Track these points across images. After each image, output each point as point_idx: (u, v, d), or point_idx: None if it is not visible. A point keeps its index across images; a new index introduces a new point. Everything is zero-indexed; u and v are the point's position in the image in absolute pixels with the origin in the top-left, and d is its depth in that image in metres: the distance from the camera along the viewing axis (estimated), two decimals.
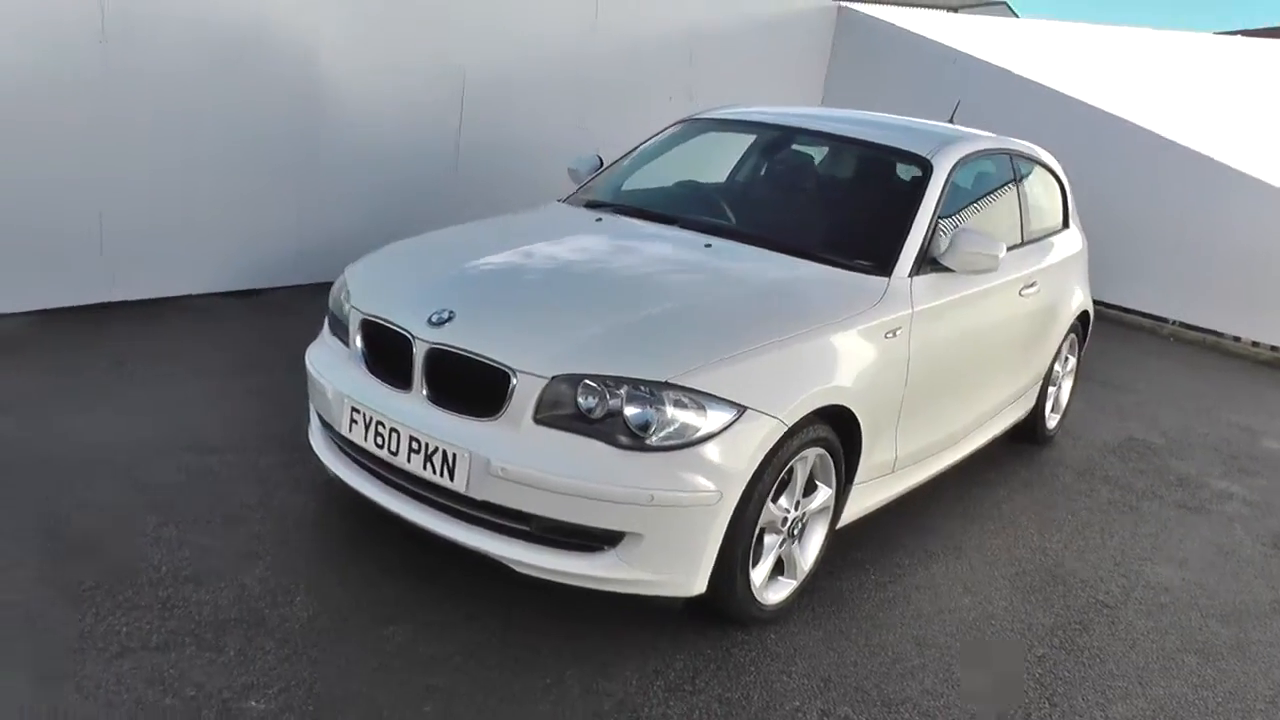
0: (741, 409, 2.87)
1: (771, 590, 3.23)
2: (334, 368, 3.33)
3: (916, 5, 11.92)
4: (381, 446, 3.06)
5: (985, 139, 4.47)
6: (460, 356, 2.97)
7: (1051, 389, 5.19)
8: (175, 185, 5.52)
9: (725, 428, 2.85)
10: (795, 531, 3.27)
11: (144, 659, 2.70)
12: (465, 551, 2.99)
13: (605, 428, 2.84)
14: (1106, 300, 8.33)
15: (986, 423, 4.45)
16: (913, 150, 4.10)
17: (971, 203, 4.25)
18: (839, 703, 2.94)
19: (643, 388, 2.84)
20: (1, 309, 5.05)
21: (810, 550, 3.37)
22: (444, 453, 2.91)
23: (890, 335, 3.47)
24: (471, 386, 2.96)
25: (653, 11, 8.10)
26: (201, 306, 5.71)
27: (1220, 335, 8.31)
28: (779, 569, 3.28)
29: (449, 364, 3.00)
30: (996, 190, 4.50)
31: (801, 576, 3.35)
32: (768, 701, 2.89)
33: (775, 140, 4.57)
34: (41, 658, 2.67)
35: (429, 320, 3.05)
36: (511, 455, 2.83)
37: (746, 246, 3.72)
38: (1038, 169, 4.92)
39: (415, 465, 2.98)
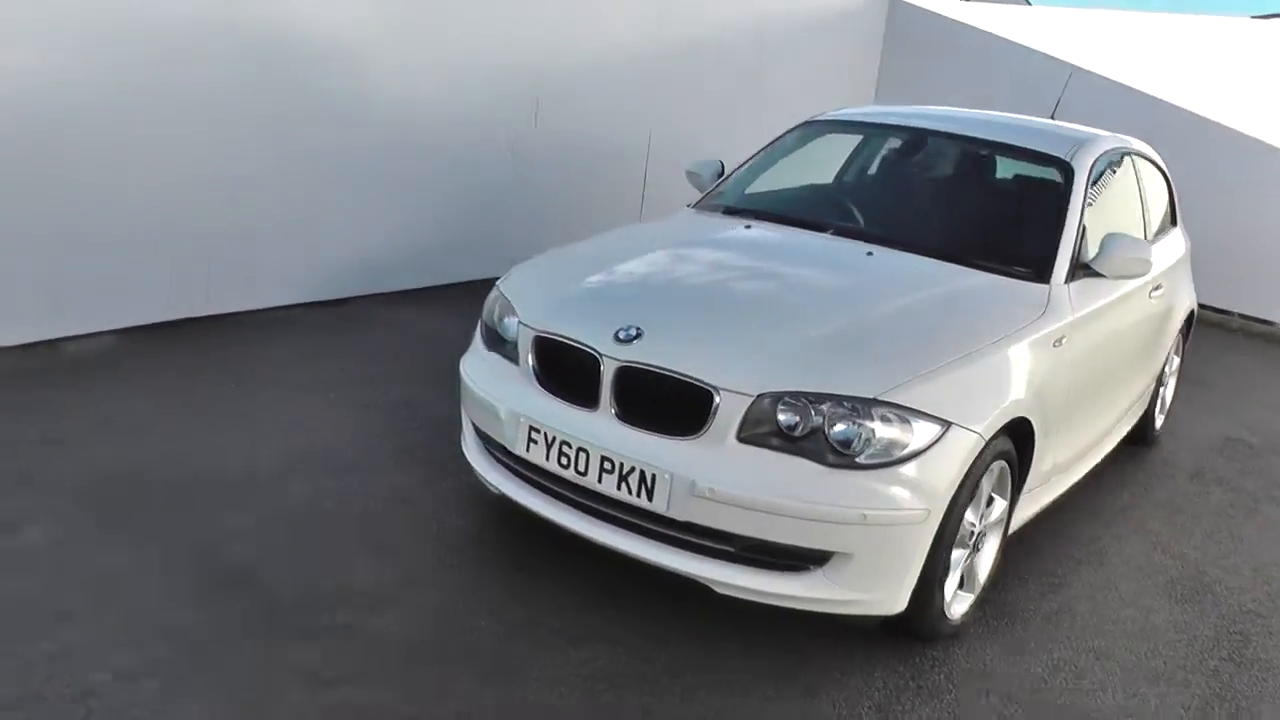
0: (946, 424, 2.82)
1: (956, 604, 3.19)
2: (500, 385, 3.26)
3: None
4: (567, 467, 2.99)
5: (1111, 138, 4.43)
6: (655, 374, 2.90)
7: (1160, 389, 5.16)
8: (246, 197, 5.37)
9: (931, 444, 2.80)
10: (977, 544, 3.22)
11: (344, 692, 2.62)
12: (652, 570, 2.94)
13: (810, 445, 2.79)
14: None
15: (1117, 425, 4.43)
16: (1051, 153, 4.06)
17: (1104, 204, 4.21)
18: (1009, 709, 2.90)
19: (848, 404, 2.78)
20: (85, 328, 4.88)
21: (986, 562, 3.33)
22: (641, 473, 2.84)
23: (1057, 344, 3.42)
24: (664, 404, 2.90)
25: (716, 11, 8.00)
26: (286, 319, 5.60)
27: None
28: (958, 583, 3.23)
29: (639, 381, 2.93)
30: (1123, 190, 4.46)
31: (978, 589, 3.30)
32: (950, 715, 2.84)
33: (907, 143, 4.52)
34: (238, 689, 2.59)
35: (616, 337, 2.98)
36: (718, 475, 2.77)
37: (906, 254, 3.67)
38: (1149, 166, 4.89)
39: (608, 486, 2.91)
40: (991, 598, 3.47)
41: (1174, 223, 5.22)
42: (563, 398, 3.07)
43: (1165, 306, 4.66)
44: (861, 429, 2.77)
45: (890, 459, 2.77)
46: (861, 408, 2.78)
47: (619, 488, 2.89)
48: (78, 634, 2.71)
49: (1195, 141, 8.35)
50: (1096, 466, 4.41)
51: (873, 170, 4.64)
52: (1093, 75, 8.87)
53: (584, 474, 2.95)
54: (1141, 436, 5.12)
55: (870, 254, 3.66)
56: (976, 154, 4.38)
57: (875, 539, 2.78)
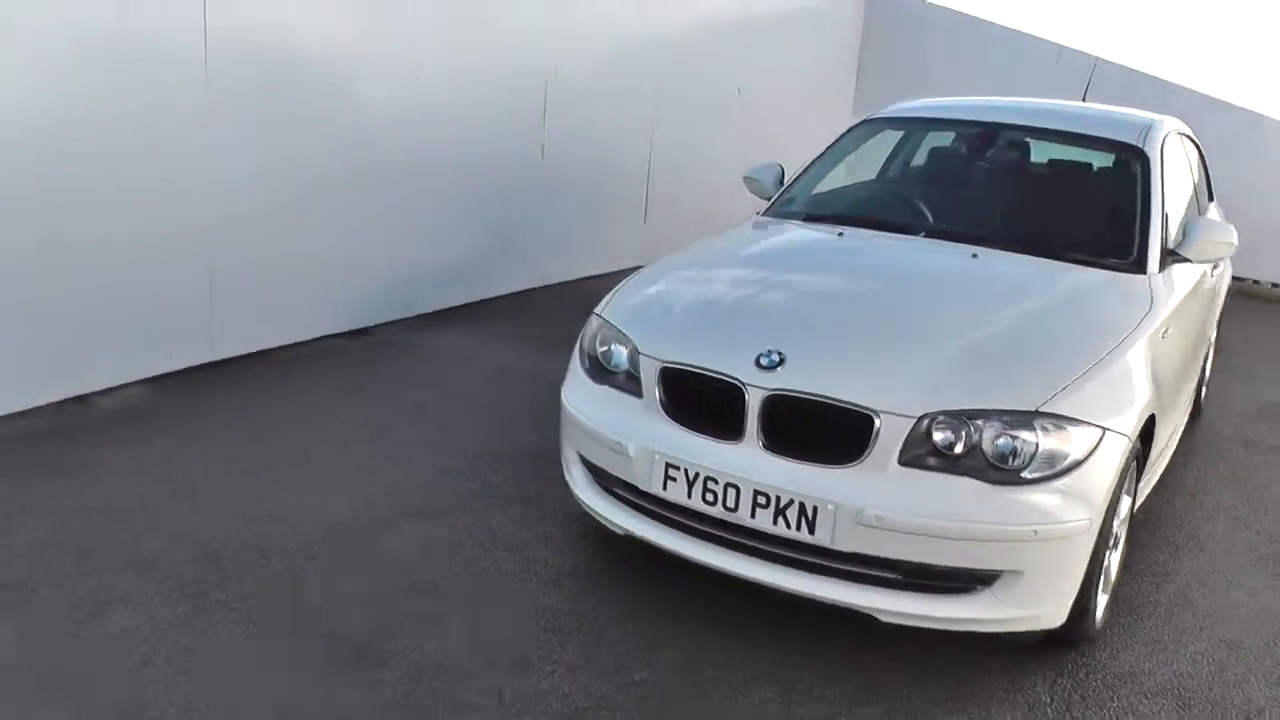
0: (1102, 430, 2.79)
1: (1099, 608, 3.17)
2: (621, 420, 3.14)
3: None
4: (714, 503, 2.90)
5: (1165, 120, 4.45)
6: (807, 401, 2.82)
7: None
8: (252, 230, 5.06)
9: (1090, 452, 2.77)
10: (1115, 544, 3.21)
11: None
12: (799, 602, 2.87)
13: (971, 463, 2.74)
14: None
15: (1190, 402, 4.48)
16: (1123, 140, 4.06)
17: (1170, 186, 4.22)
18: (1181, 717, 2.89)
19: (1008, 418, 2.73)
20: (113, 380, 4.63)
21: (1116, 561, 3.32)
22: (801, 505, 2.77)
23: (1164, 336, 3.42)
24: (816, 431, 2.82)
25: (704, 5, 7.89)
26: (314, 353, 5.40)
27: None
28: None
29: (788, 409, 2.85)
30: (1180, 171, 4.49)
31: (1111, 589, 3.29)
32: None
33: (976, 136, 4.48)
34: None
35: (758, 364, 2.89)
36: (884, 502, 2.71)
37: (1007, 254, 3.64)
38: (1189, 144, 4.93)
39: (763, 521, 2.83)
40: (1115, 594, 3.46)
41: (1210, 197, 5.28)
42: (699, 430, 2.98)
43: (1217, 281, 4.71)
44: (1024, 443, 2.72)
45: (1054, 471, 2.73)
46: (1022, 421, 2.73)
47: (775, 522, 2.81)
48: None
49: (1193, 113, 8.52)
50: None
51: (946, 167, 4.59)
52: (1088, 55, 8.97)
53: (734, 510, 2.87)
54: (1195, 409, 5.18)
55: (975, 256, 3.62)
56: (1050, 145, 4.36)
57: (1044, 554, 2.74)
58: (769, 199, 4.57)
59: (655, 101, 7.54)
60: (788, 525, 2.79)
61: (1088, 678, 3.03)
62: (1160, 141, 4.09)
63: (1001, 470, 2.73)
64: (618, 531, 3.22)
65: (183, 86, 4.58)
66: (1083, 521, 2.75)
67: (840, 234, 3.93)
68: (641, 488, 3.05)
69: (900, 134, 4.75)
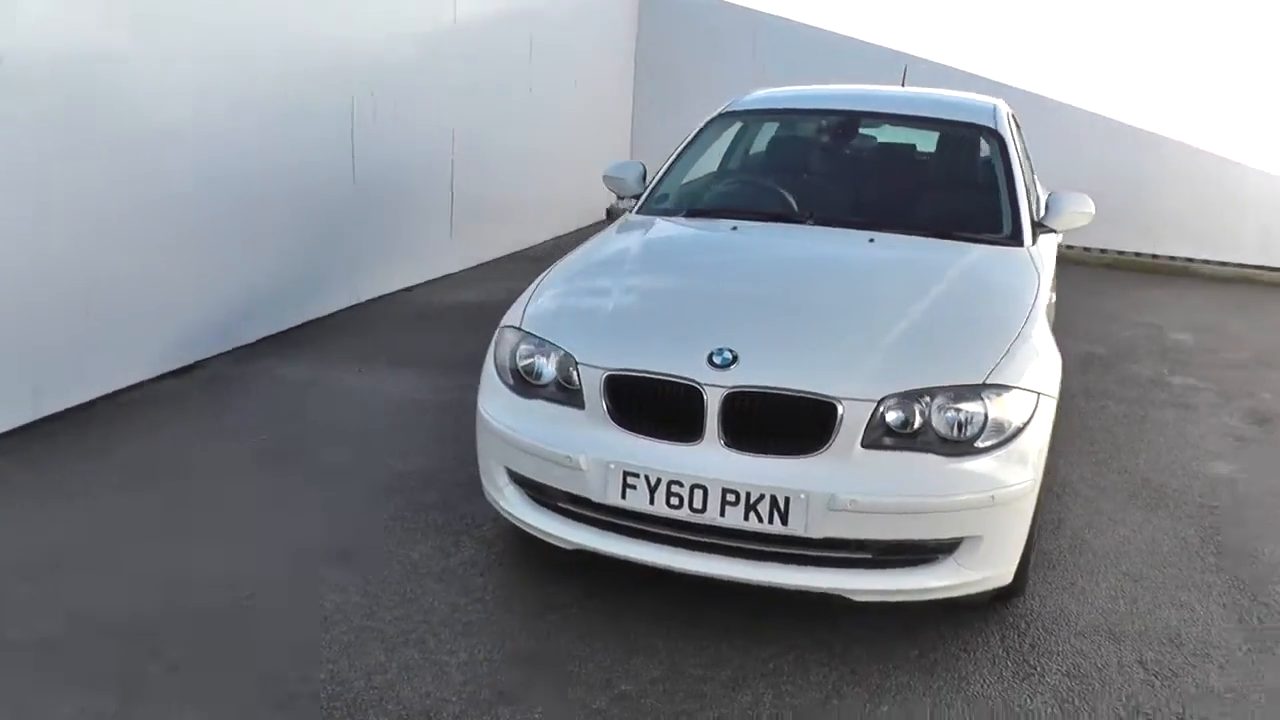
0: (1036, 395, 2.96)
1: None
2: (564, 433, 3.04)
3: None
4: (680, 507, 2.86)
5: (1002, 103, 4.75)
6: (767, 395, 2.83)
7: None
8: (52, 269, 4.46)
9: (1031, 416, 2.92)
10: None
11: None
12: (771, 593, 2.89)
13: (928, 439, 2.84)
14: None
15: None
16: (979, 122, 4.31)
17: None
18: (1132, 649, 3.12)
19: (957, 392, 2.85)
20: None
21: None
22: (773, 498, 2.78)
23: (1050, 305, 3.66)
24: (777, 424, 2.84)
25: (496, 4, 7.79)
26: (150, 398, 4.91)
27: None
28: None
29: (747, 405, 2.85)
30: (1021, 149, 4.81)
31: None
32: (1075, 666, 3.01)
33: (841, 124, 4.61)
34: None
35: (711, 363, 2.88)
36: (854, 486, 2.76)
37: (900, 236, 3.78)
38: (1016, 123, 5.28)
39: (733, 519, 2.82)
40: None
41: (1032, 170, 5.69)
42: (653, 435, 2.93)
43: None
44: (974, 414, 2.84)
45: (1003, 438, 2.87)
46: (971, 393, 2.85)
47: (747, 518, 2.80)
48: None
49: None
50: None
51: (817, 156, 4.71)
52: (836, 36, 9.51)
53: (701, 510, 2.84)
54: None
55: (872, 240, 3.74)
56: (912, 130, 4.56)
57: (999, 517, 2.88)
58: (634, 197, 4.54)
59: (452, 109, 7.42)
60: (760, 519, 2.79)
61: (1028, 627, 3.21)
62: (1006, 121, 4.37)
63: (956, 443, 2.84)
64: (566, 548, 3.13)
65: None
66: (1028, 482, 2.91)
67: (734, 228, 3.96)
68: (596, 499, 2.97)
69: (760, 125, 4.83)
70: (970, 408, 2.84)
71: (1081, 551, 3.74)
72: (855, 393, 2.80)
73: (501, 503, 3.28)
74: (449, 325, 6.36)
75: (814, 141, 4.75)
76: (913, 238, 3.79)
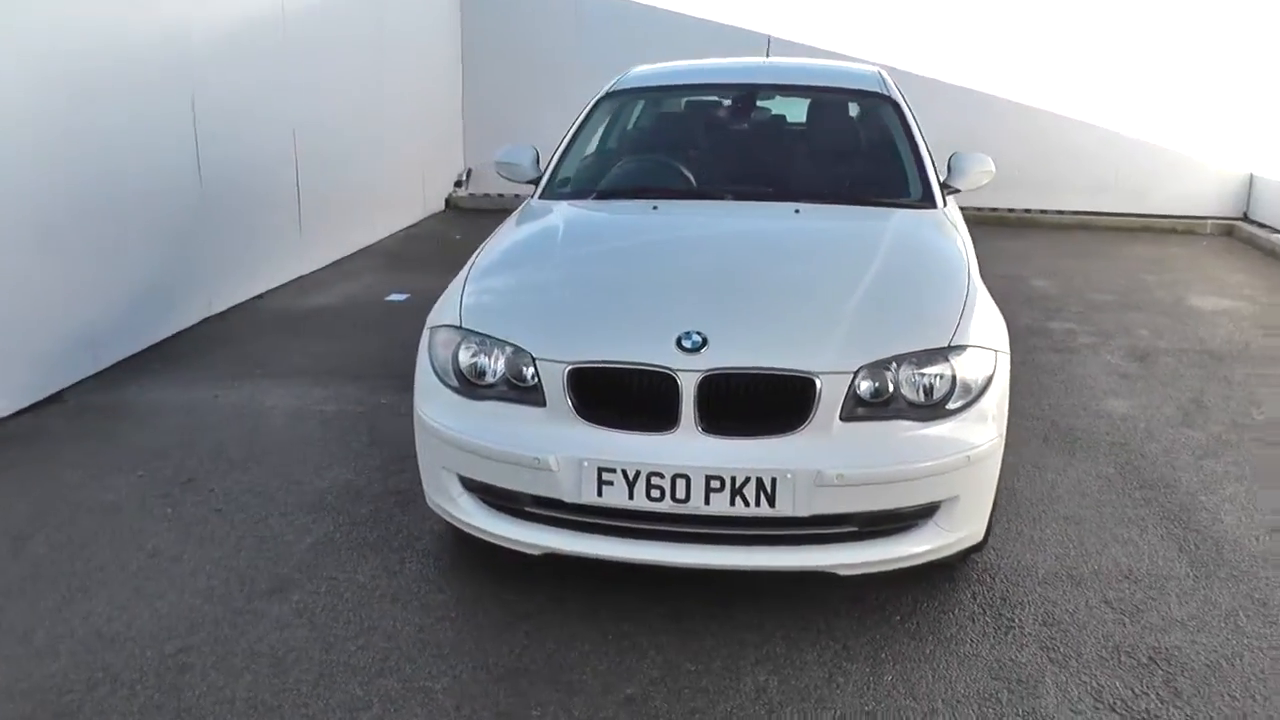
0: (995, 352, 2.99)
1: None
2: (526, 433, 2.87)
3: None
4: (661, 499, 2.75)
5: (880, 69, 4.80)
6: (742, 376, 2.75)
7: None
8: None
9: (993, 374, 2.95)
10: None
11: None
12: (753, 576, 2.84)
13: (899, 406, 2.82)
14: None
15: None
16: (872, 90, 4.33)
17: None
18: (1095, 590, 3.22)
19: (925, 356, 2.84)
20: None
21: None
22: (759, 481, 2.70)
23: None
24: (753, 405, 2.76)
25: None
26: (9, 436, 4.43)
27: None
28: None
29: (722, 388, 2.76)
30: None
31: None
32: (1048, 614, 3.08)
33: (737, 99, 4.54)
34: None
35: (681, 348, 2.77)
36: (839, 460, 2.72)
37: (823, 206, 3.76)
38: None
39: (718, 505, 2.73)
40: None
41: None
42: (625, 427, 2.80)
43: None
44: (942, 377, 2.84)
45: (971, 397, 2.88)
46: (939, 356, 2.85)
47: (733, 503, 2.72)
48: None
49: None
50: None
51: (716, 130, 4.62)
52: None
53: (684, 500, 2.74)
54: None
55: (797, 212, 3.70)
56: (808, 100, 4.54)
57: (972, 476, 2.89)
58: (530, 182, 4.38)
59: (292, 104, 7.09)
60: (746, 503, 2.71)
61: (994, 581, 3.26)
62: (895, 87, 4.41)
63: (927, 407, 2.83)
64: (533, 553, 2.97)
65: None
66: (996, 438, 2.93)
67: (655, 208, 3.86)
68: (568, 500, 2.83)
69: (652, 102, 4.73)
70: (939, 370, 2.84)
71: (1017, 501, 3.83)
72: (831, 366, 2.75)
73: (455, 512, 3.09)
74: (314, 332, 6.03)
75: (715, 116, 4.68)
76: (835, 206, 3.79)
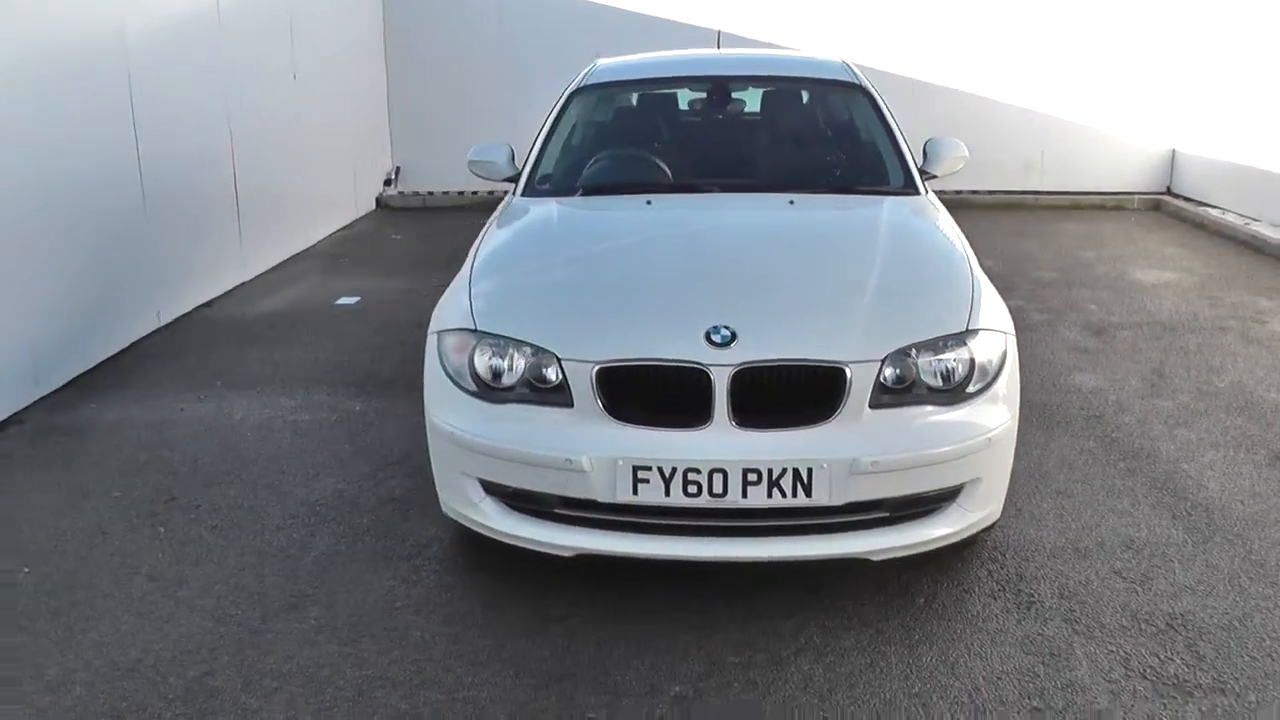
0: (1005, 335, 3.06)
1: None
2: (555, 435, 2.84)
3: None
4: (698, 494, 2.75)
5: (843, 59, 4.87)
6: (774, 369, 2.76)
7: None
8: None
9: (1004, 356, 3.02)
10: None
11: None
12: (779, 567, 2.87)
13: (920, 392, 2.87)
14: None
15: None
16: (843, 79, 4.38)
17: None
18: (1103, 561, 3.31)
19: (945, 342, 2.89)
20: None
21: None
22: (795, 471, 2.72)
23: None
24: (784, 396, 2.78)
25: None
26: None
27: None
28: None
29: (753, 382, 2.77)
30: None
31: None
32: (1063, 587, 3.16)
33: (710, 91, 4.54)
34: None
35: (711, 343, 2.77)
36: (872, 447, 2.75)
37: (816, 195, 3.79)
38: None
39: (756, 498, 2.74)
40: None
41: None
42: (657, 424, 2.80)
43: None
44: (962, 362, 2.90)
45: (988, 380, 2.94)
46: (957, 341, 2.90)
47: (770, 495, 2.74)
48: None
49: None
50: None
51: (693, 123, 4.62)
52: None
53: (722, 495, 2.74)
54: None
55: (792, 203, 3.72)
56: (782, 92, 4.56)
57: (995, 456, 2.96)
58: (507, 180, 4.34)
59: (227, 104, 6.89)
60: (783, 494, 2.73)
61: (1006, 558, 3.34)
62: (862, 75, 4.47)
63: (948, 391, 2.89)
64: (564, 555, 2.95)
65: None
66: (1011, 419, 3.01)
67: (649, 202, 3.85)
68: (603, 500, 2.81)
69: (624, 96, 4.71)
70: (958, 355, 2.89)
71: (1010, 478, 3.91)
72: (859, 354, 2.79)
73: (477, 517, 3.05)
74: (269, 340, 5.87)
75: (692, 109, 4.69)
76: (826, 196, 3.83)
